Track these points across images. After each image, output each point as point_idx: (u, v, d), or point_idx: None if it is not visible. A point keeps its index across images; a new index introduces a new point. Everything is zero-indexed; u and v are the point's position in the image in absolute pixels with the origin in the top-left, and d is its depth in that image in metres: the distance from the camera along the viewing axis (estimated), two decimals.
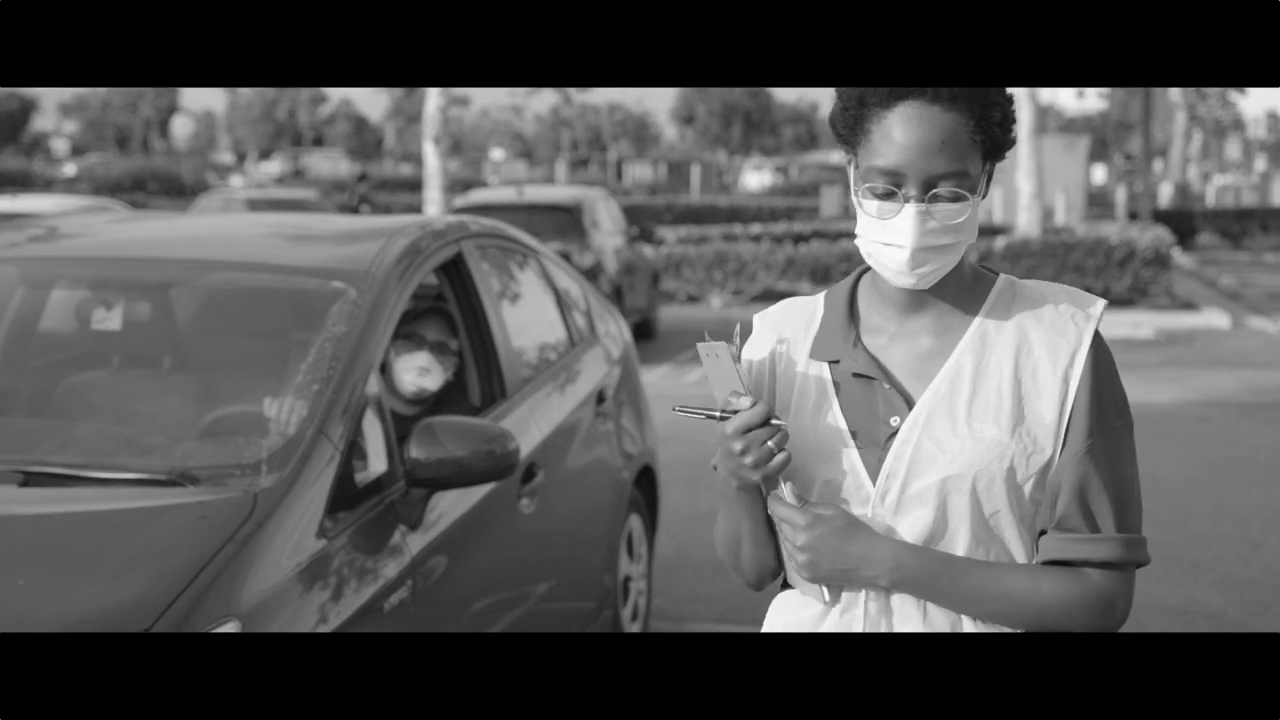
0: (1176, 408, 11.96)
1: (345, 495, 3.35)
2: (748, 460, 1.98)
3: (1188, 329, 18.09)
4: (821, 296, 2.18)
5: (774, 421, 1.98)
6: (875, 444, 2.03)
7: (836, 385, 2.07)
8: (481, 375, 4.44)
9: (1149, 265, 19.89)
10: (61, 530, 3.07)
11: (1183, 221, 34.55)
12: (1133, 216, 32.71)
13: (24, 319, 4.14)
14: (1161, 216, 33.10)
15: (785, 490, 2.03)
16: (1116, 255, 19.84)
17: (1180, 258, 24.03)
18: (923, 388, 2.04)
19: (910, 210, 1.94)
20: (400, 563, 3.44)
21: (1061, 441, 2.00)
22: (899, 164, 1.93)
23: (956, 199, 1.95)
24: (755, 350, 2.16)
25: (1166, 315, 18.77)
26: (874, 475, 2.03)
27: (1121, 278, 19.73)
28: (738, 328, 2.06)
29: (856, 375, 2.06)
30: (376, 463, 3.54)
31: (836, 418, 2.06)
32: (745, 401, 1.98)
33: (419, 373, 4.28)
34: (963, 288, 2.06)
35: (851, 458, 2.04)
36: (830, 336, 2.10)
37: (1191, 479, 9.22)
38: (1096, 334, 2.05)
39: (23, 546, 3.01)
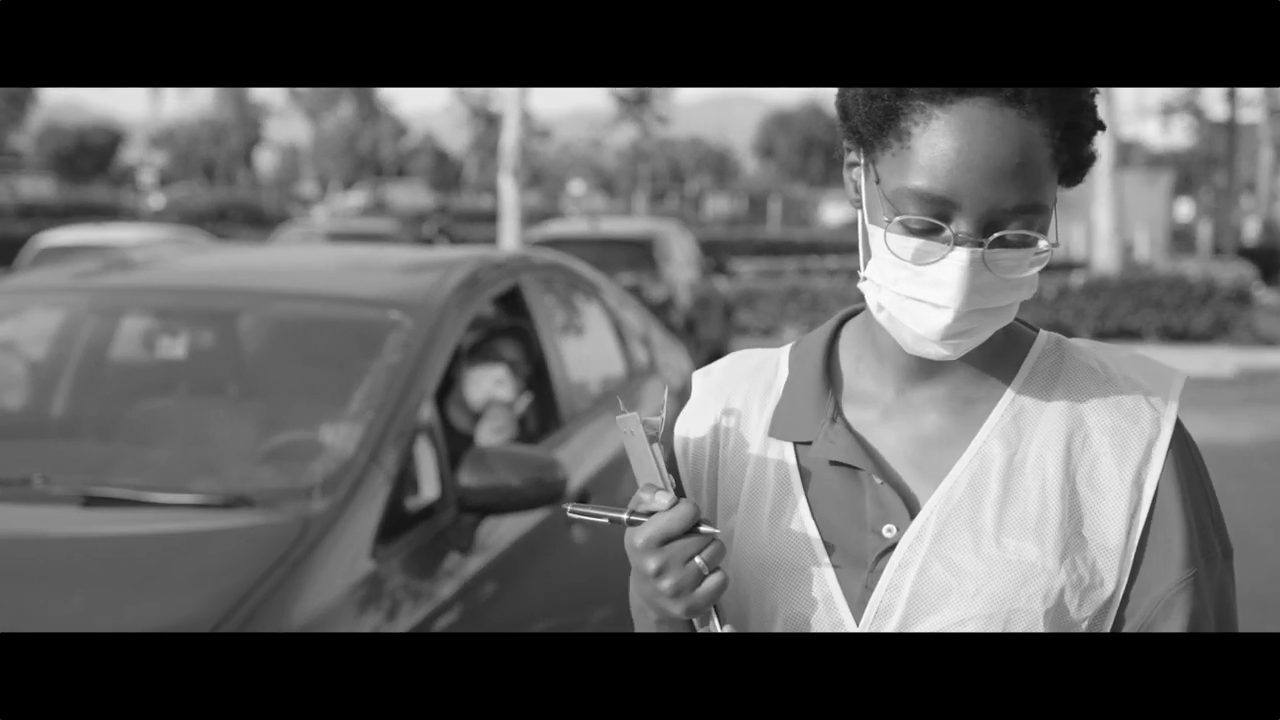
0: (1255, 447, 11.80)
1: (397, 520, 3.42)
2: (665, 585, 1.40)
3: (1270, 367, 17.83)
4: (786, 351, 1.62)
5: (703, 529, 1.40)
6: (860, 563, 1.47)
7: (805, 477, 1.52)
8: (538, 403, 4.52)
9: (1230, 302, 19.64)
10: (119, 551, 3.16)
11: (1269, 258, 34.08)
12: (1217, 252, 32.32)
13: (94, 347, 4.27)
14: (1247, 253, 32.67)
15: (718, 627, 1.45)
16: (1197, 292, 19.61)
17: (1266, 295, 23.72)
18: (930, 486, 1.48)
19: (961, 258, 1.36)
20: (452, 586, 3.50)
21: (1130, 572, 1.44)
22: (952, 190, 1.35)
23: (1024, 244, 1.38)
24: (693, 424, 1.61)
25: (1248, 353, 18.52)
26: (857, 607, 1.46)
27: (1201, 314, 19.50)
28: (664, 393, 1.59)
29: (835, 464, 1.50)
30: (429, 489, 3.61)
31: (804, 523, 1.50)
32: (662, 500, 1.41)
33: (494, 384, 4.39)
34: (990, 348, 1.48)
35: (825, 581, 1.47)
36: (797, 408, 1.54)
37: (1266, 517, 9.10)
38: (1178, 424, 1.50)
39: (81, 566, 3.11)
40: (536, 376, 4.53)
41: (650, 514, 1.41)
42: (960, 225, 1.36)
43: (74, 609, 2.90)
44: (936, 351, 1.42)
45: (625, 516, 1.43)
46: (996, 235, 1.36)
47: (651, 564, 1.40)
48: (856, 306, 1.59)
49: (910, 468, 1.49)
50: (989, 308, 1.39)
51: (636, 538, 1.41)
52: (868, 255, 1.46)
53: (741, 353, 1.67)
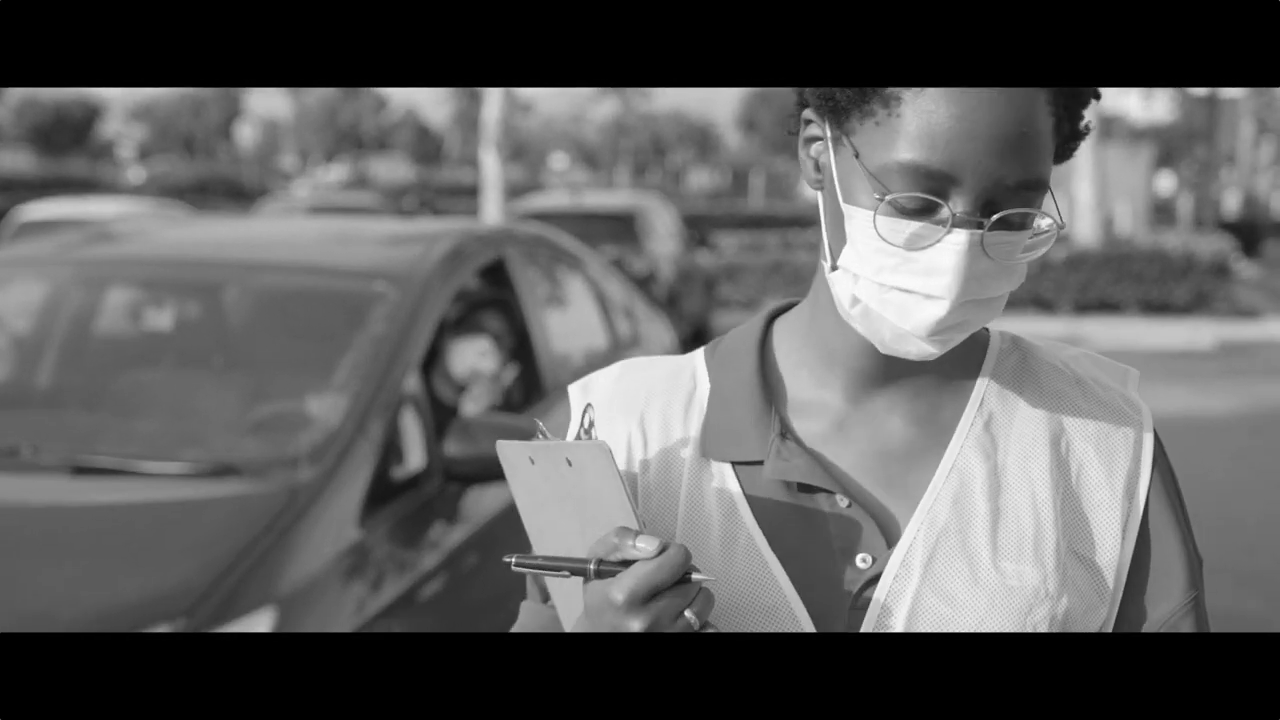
0: (1234, 418, 11.90)
1: (383, 490, 3.46)
2: None
3: (1249, 339, 17.94)
4: (699, 358, 1.40)
5: (694, 577, 1.16)
6: (836, 599, 1.27)
7: (752, 503, 1.30)
8: (522, 375, 4.55)
9: (1210, 275, 19.74)
10: (108, 519, 3.19)
11: (1250, 231, 34.21)
12: (1199, 224, 32.47)
13: (79, 319, 4.29)
14: (1228, 226, 32.79)
15: None
16: (1177, 265, 19.70)
17: (1246, 269, 23.84)
18: (907, 507, 1.29)
19: (959, 241, 1.18)
20: (436, 556, 3.54)
21: (1126, 589, 1.32)
22: (952, 163, 1.18)
23: (1024, 225, 1.22)
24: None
25: (1228, 325, 18.62)
26: None
27: (1181, 287, 19.60)
28: (585, 409, 1.28)
29: (790, 487, 1.29)
30: (414, 459, 3.65)
31: (763, 556, 1.28)
32: (646, 546, 1.15)
33: (478, 355, 4.42)
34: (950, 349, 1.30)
35: (799, 621, 1.26)
36: (734, 423, 1.32)
37: (1242, 487, 9.19)
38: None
39: (71, 534, 3.14)
40: (520, 348, 4.56)
41: (624, 562, 1.15)
42: (958, 204, 1.18)
43: (65, 576, 2.93)
44: (920, 350, 1.23)
45: (592, 566, 1.16)
46: (998, 215, 1.19)
47: (637, 624, 1.14)
48: (785, 302, 1.41)
49: (879, 487, 1.29)
50: (983, 298, 1.22)
51: (616, 594, 1.14)
52: (840, 242, 1.25)
53: (634, 362, 1.42)
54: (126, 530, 3.15)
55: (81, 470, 3.34)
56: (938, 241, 1.19)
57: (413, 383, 3.74)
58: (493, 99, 18.72)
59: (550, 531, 1.26)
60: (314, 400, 3.67)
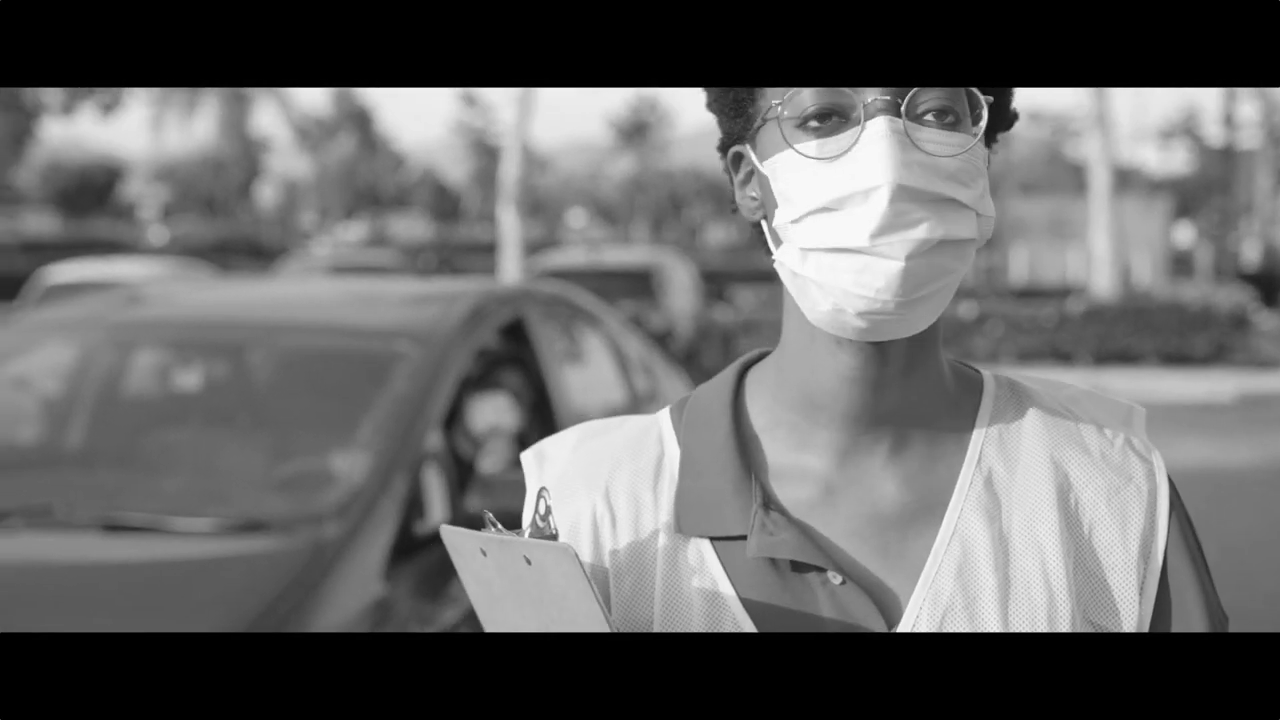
0: (1252, 471, 11.88)
1: (406, 545, 3.52)
2: None
3: (1269, 391, 17.90)
4: (665, 419, 1.28)
5: None
6: None
7: (736, 584, 1.19)
8: (542, 432, 4.62)
9: (1229, 327, 19.73)
10: (138, 575, 3.27)
11: (1269, 282, 34.18)
12: (1218, 274, 32.47)
13: (108, 380, 4.39)
14: (1247, 277, 32.77)
15: None
16: (1196, 317, 19.70)
17: (1266, 320, 23.82)
18: (906, 581, 1.19)
19: (880, 126, 1.11)
20: (459, 610, 3.60)
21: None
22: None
23: (947, 122, 1.14)
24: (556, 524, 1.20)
25: (1248, 376, 18.58)
26: None
27: (1200, 339, 19.58)
28: (539, 495, 1.18)
29: (781, 564, 1.18)
30: (437, 514, 3.72)
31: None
32: None
33: (497, 413, 4.48)
34: (940, 393, 1.23)
35: None
36: (710, 493, 1.21)
37: (1260, 541, 9.18)
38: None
39: (102, 591, 3.21)
40: (539, 405, 4.63)
41: None
42: (867, 94, 1.12)
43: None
44: (879, 312, 1.12)
45: None
46: (913, 91, 1.12)
47: None
48: (757, 353, 1.31)
49: (874, 559, 1.18)
50: (933, 194, 1.11)
51: None
52: (776, 235, 1.19)
53: (591, 426, 1.30)
54: (156, 587, 3.22)
55: (112, 527, 3.41)
56: (856, 141, 1.11)
57: (435, 440, 3.81)
58: (510, 156, 18.88)
59: (507, 626, 1.17)
60: (338, 457, 3.75)
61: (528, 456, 1.29)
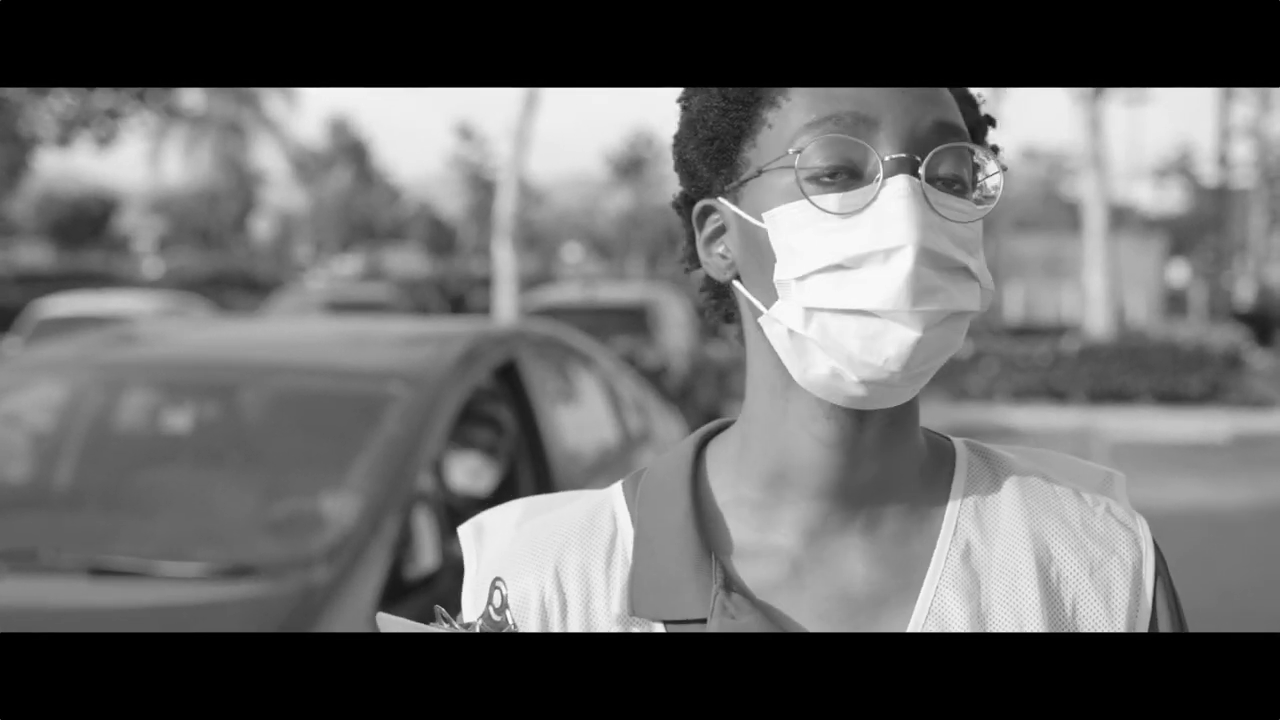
0: (1247, 513, 11.86)
1: (397, 589, 3.49)
2: None
3: (1264, 431, 17.89)
4: (617, 495, 1.21)
5: None
6: None
7: None
8: (535, 474, 4.59)
9: (1223, 367, 19.74)
10: (124, 623, 3.23)
11: (1263, 321, 34.24)
12: (1213, 313, 32.54)
13: (98, 420, 4.36)
14: (1241, 316, 32.82)
15: None
16: (1190, 357, 19.72)
17: (1260, 360, 23.83)
18: None
19: (901, 185, 1.06)
20: None
21: None
22: (860, 101, 1.08)
23: (956, 189, 1.09)
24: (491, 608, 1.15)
25: (1242, 416, 18.58)
26: None
27: (1194, 379, 19.60)
28: (493, 585, 1.13)
29: None
30: (428, 557, 3.68)
31: None
32: None
33: (470, 475, 4.45)
34: (916, 464, 1.17)
35: None
36: (667, 574, 1.14)
37: (1257, 583, 9.15)
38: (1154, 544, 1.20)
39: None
40: (532, 446, 4.60)
41: None
42: (882, 148, 1.07)
43: None
44: (883, 382, 1.07)
45: None
46: (933, 152, 1.07)
47: None
48: (718, 423, 1.24)
49: None
50: (951, 261, 1.06)
51: None
52: (765, 292, 1.11)
53: (536, 502, 1.23)
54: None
55: (99, 572, 3.38)
56: (875, 197, 1.05)
57: (426, 481, 3.78)
58: (506, 191, 18.90)
59: None
60: (329, 500, 3.72)
61: (465, 531, 1.21)
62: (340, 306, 21.93)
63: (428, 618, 3.61)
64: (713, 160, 1.14)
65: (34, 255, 52.38)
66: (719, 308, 1.20)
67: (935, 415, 17.78)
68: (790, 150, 1.07)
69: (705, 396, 16.01)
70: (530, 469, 4.60)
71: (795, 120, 1.08)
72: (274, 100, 60.85)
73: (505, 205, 19.01)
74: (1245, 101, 38.44)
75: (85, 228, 59.50)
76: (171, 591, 3.31)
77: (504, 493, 4.56)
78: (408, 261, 64.36)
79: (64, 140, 23.19)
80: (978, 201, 1.11)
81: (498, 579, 1.12)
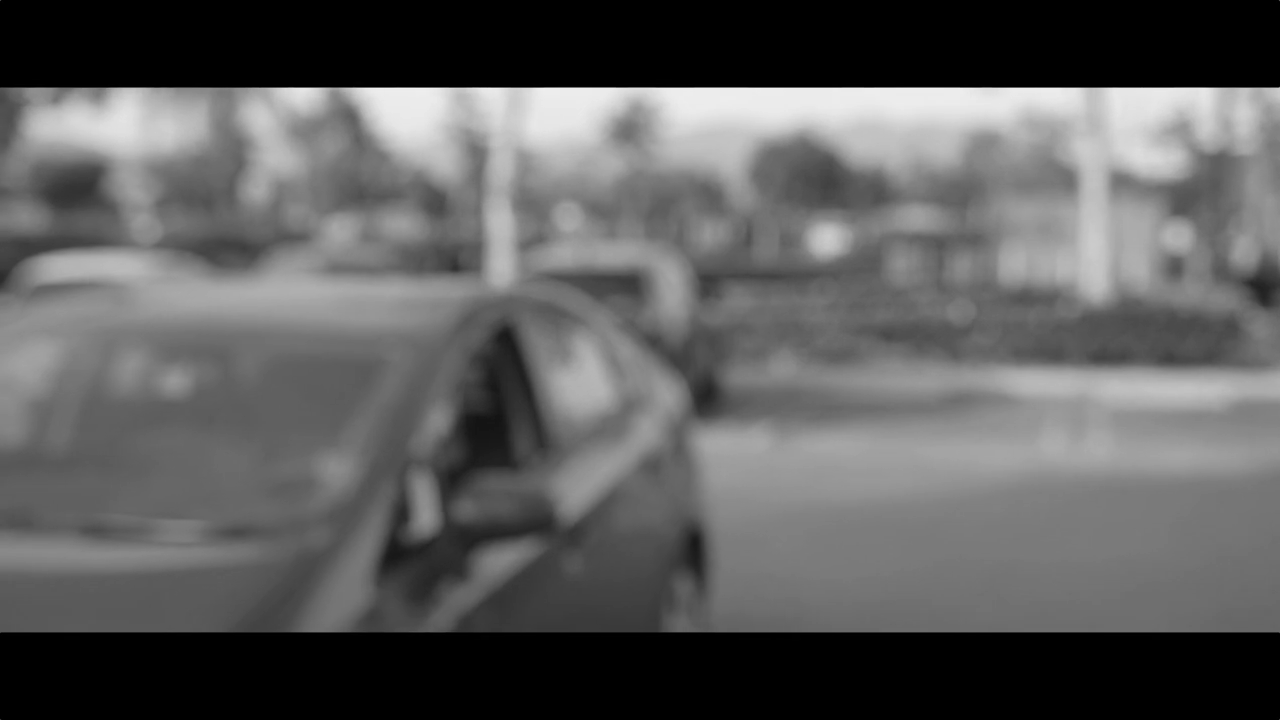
0: (1243, 475, 11.86)
1: (395, 552, 3.47)
2: None
3: (1262, 395, 17.89)
4: None
5: None
6: None
7: None
8: (531, 439, 4.57)
9: (1222, 332, 19.73)
10: (119, 582, 3.21)
11: (1263, 285, 34.22)
12: (1216, 275, 32.51)
13: (94, 383, 4.33)
14: (1241, 279, 32.80)
15: None
16: (1189, 322, 19.71)
17: (1260, 323, 23.80)
18: None
19: None
20: (450, 619, 3.55)
21: None
22: None
23: None
24: None
25: (1240, 379, 18.55)
26: None
27: (1192, 341, 19.58)
28: None
29: None
30: (426, 520, 3.66)
31: None
32: None
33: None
34: None
35: None
36: None
37: (1253, 547, 9.16)
38: None
39: (83, 598, 3.15)
40: (529, 409, 4.58)
41: None
42: None
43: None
44: None
45: None
46: None
47: None
48: None
49: None
50: None
51: None
52: None
53: None
54: (138, 593, 3.16)
55: (93, 531, 3.36)
56: None
57: (425, 445, 3.76)
58: (502, 155, 18.85)
59: None
60: (326, 462, 3.70)
61: None
62: (338, 270, 21.88)
63: (426, 581, 3.58)
64: None
65: (28, 218, 52.23)
66: None
67: (935, 379, 17.77)
68: None
69: (700, 359, 16.02)
70: (527, 430, 4.58)
71: None
72: None
73: (500, 169, 18.96)
74: None
75: (79, 191, 59.31)
76: (165, 553, 3.29)
77: (497, 451, 4.55)
78: (402, 224, 64.22)
79: (56, 99, 23.07)
80: None
81: None
